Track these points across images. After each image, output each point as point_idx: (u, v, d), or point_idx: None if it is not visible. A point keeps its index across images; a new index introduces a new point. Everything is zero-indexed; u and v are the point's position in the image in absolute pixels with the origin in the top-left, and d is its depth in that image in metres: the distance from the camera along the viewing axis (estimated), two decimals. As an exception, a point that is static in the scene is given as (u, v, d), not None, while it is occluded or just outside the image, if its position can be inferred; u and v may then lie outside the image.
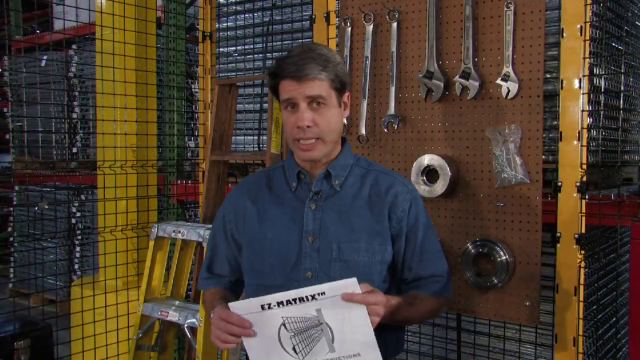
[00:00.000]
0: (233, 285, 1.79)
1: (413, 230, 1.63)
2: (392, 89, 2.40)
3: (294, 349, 1.42)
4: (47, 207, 5.59)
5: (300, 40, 3.41)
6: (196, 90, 4.93)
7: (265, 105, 3.53)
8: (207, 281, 1.79)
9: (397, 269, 1.66)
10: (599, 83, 2.37)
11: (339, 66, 1.57)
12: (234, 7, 3.70)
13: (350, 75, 2.02)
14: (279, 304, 1.38)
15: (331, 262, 1.56)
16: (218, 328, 1.45)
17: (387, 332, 1.45)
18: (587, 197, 2.10)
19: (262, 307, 1.39)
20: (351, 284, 1.37)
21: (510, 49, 2.15)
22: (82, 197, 5.57)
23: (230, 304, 1.42)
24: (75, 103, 5.70)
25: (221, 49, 3.72)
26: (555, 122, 2.33)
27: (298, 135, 1.54)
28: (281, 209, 1.63)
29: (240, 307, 1.42)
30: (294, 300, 1.38)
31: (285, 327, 1.40)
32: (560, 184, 2.11)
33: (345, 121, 1.77)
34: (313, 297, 1.37)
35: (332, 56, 1.57)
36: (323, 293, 1.37)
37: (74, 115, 5.67)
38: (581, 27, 2.07)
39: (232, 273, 1.76)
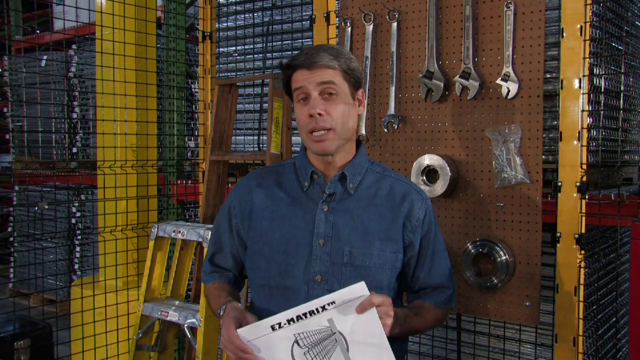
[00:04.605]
0: (237, 279, 1.77)
1: (426, 241, 1.63)
2: (392, 89, 2.40)
3: None
4: (47, 207, 5.60)
5: (300, 41, 3.42)
6: (196, 90, 4.94)
7: (265, 105, 3.53)
8: (211, 275, 1.76)
9: (405, 277, 1.65)
10: (599, 83, 2.37)
11: (351, 60, 1.56)
12: (234, 7, 3.70)
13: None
14: (289, 321, 1.35)
15: (342, 267, 1.54)
16: (226, 347, 1.42)
17: (394, 346, 1.44)
18: (587, 197, 2.09)
19: (272, 327, 1.36)
20: (360, 288, 1.35)
21: (510, 49, 2.15)
22: (82, 197, 5.57)
23: (239, 330, 1.39)
24: (75, 103, 5.71)
25: (221, 49, 3.72)
26: (555, 122, 2.33)
27: (311, 125, 1.51)
28: (291, 208, 1.60)
29: (249, 332, 1.38)
30: (305, 314, 1.35)
31: (298, 344, 1.37)
32: (560, 184, 2.11)
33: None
34: (323, 307, 1.35)
35: (344, 51, 1.58)
36: (333, 302, 1.35)
37: (74, 115, 5.68)
38: (581, 27, 2.07)
39: (236, 267, 1.74)
